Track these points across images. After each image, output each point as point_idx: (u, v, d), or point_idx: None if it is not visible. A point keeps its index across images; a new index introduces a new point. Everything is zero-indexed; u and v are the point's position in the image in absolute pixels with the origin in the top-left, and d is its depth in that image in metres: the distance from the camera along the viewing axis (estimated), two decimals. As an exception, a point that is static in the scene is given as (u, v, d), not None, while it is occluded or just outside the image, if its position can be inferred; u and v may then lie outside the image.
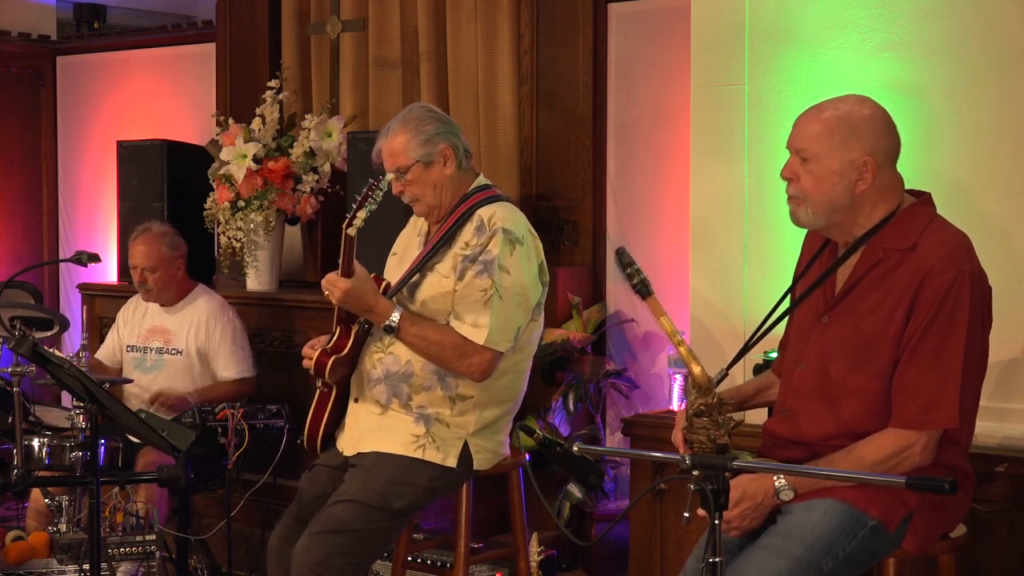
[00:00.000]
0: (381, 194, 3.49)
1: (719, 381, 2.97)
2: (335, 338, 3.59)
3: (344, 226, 3.46)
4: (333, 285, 3.49)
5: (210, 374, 5.05)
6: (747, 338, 3.14)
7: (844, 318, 2.94)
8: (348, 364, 3.61)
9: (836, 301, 2.96)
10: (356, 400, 3.65)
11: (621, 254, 2.91)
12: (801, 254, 3.19)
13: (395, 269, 3.70)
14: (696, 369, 2.86)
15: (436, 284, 3.54)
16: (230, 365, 5.02)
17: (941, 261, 2.83)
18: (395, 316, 3.49)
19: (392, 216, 3.98)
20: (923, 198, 2.98)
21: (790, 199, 2.96)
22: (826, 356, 2.95)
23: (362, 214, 3.45)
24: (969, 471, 3.01)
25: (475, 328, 3.46)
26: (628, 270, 2.89)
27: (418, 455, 3.53)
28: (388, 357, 3.55)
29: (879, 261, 2.90)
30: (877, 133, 2.90)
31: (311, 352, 3.60)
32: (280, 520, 3.68)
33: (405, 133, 3.57)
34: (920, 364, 2.83)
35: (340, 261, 3.49)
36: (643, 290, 2.87)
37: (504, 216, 3.52)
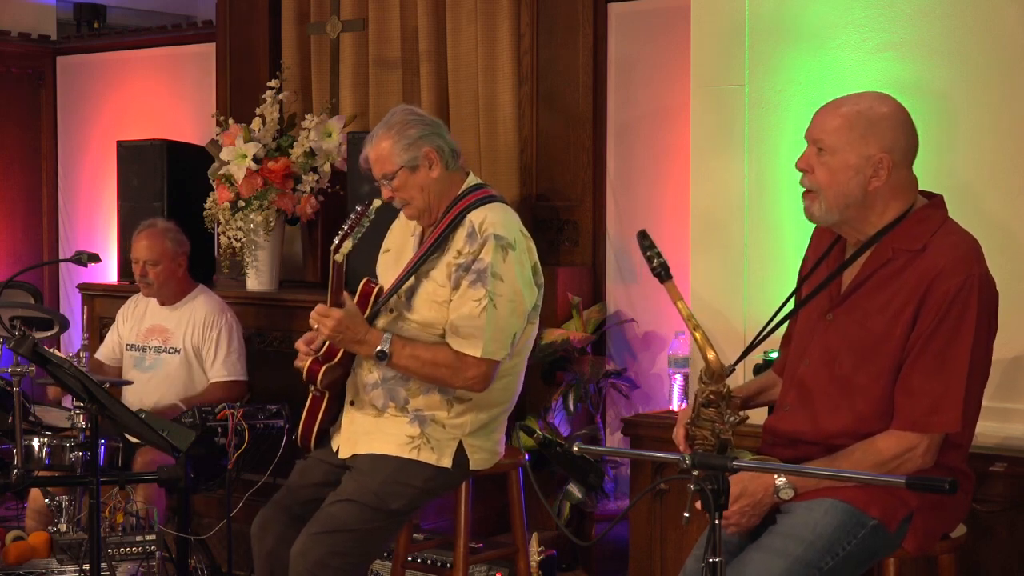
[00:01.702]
0: (368, 221, 3.48)
1: (727, 375, 2.97)
2: (327, 345, 3.58)
3: (332, 251, 3.46)
4: (326, 316, 3.46)
5: (203, 373, 5.04)
6: (747, 337, 3.14)
7: (850, 316, 2.94)
8: (340, 369, 3.60)
9: (842, 299, 2.96)
10: (352, 403, 3.64)
11: (643, 236, 2.91)
12: (808, 248, 3.17)
13: (390, 267, 3.68)
14: (711, 355, 2.85)
15: (433, 292, 3.52)
16: (221, 367, 5.00)
17: (951, 265, 2.82)
18: (385, 342, 3.47)
19: (388, 226, 3.96)
20: (935, 200, 2.97)
21: (805, 193, 2.95)
22: (830, 353, 2.95)
23: (348, 244, 3.45)
24: (968, 471, 3.01)
25: (470, 340, 3.45)
26: (648, 253, 2.88)
27: (412, 456, 3.52)
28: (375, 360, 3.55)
29: (887, 261, 2.90)
30: (895, 130, 2.89)
31: (305, 348, 3.59)
32: (265, 505, 3.67)
33: (388, 139, 3.54)
34: (925, 367, 2.82)
35: (329, 285, 3.48)
36: (662, 273, 2.87)
37: (495, 220, 3.50)
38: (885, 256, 2.90)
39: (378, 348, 3.46)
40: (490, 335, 3.44)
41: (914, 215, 2.92)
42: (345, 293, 3.51)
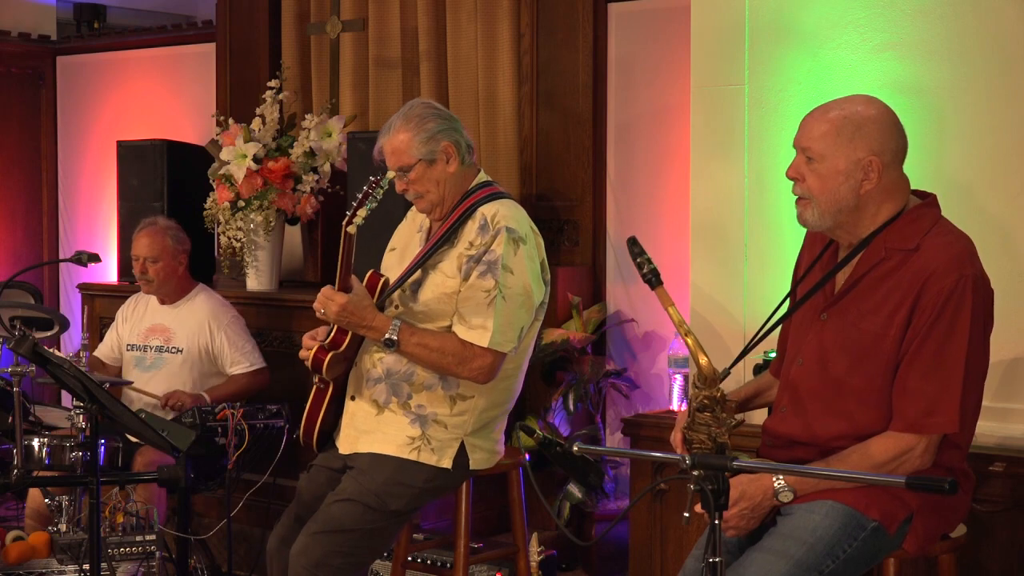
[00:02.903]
0: (382, 192, 3.47)
1: (721, 380, 2.97)
2: (332, 334, 3.55)
3: (344, 224, 3.45)
4: (330, 299, 3.45)
5: (215, 372, 5.04)
6: (747, 336, 3.14)
7: (843, 316, 2.94)
8: (346, 360, 3.59)
9: (836, 299, 2.96)
10: (352, 398, 3.63)
11: (632, 243, 2.92)
12: (801, 253, 3.18)
13: (395, 265, 3.67)
14: (703, 360, 2.85)
15: (441, 284, 3.52)
16: (241, 359, 5.01)
17: (944, 264, 2.82)
18: (393, 329, 3.47)
19: (393, 214, 3.98)
20: (928, 200, 2.97)
21: (797, 200, 2.95)
22: (824, 353, 2.95)
23: (362, 212, 3.43)
24: (968, 471, 3.01)
25: (478, 330, 3.44)
26: (638, 259, 2.89)
27: (413, 457, 3.52)
28: (389, 356, 3.54)
29: (880, 261, 2.90)
30: (883, 132, 2.89)
31: (310, 343, 3.58)
32: (279, 521, 3.67)
33: (407, 131, 3.53)
34: (921, 368, 2.82)
35: (339, 261, 3.47)
36: (653, 280, 2.87)
37: (507, 214, 3.51)
38: (878, 256, 2.91)
39: (386, 336, 3.46)
40: (498, 326, 3.44)
41: (907, 215, 2.92)
42: (353, 277, 3.50)
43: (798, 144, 2.95)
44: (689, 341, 2.85)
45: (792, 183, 2.96)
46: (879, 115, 2.91)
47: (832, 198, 2.89)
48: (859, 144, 2.87)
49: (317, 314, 3.53)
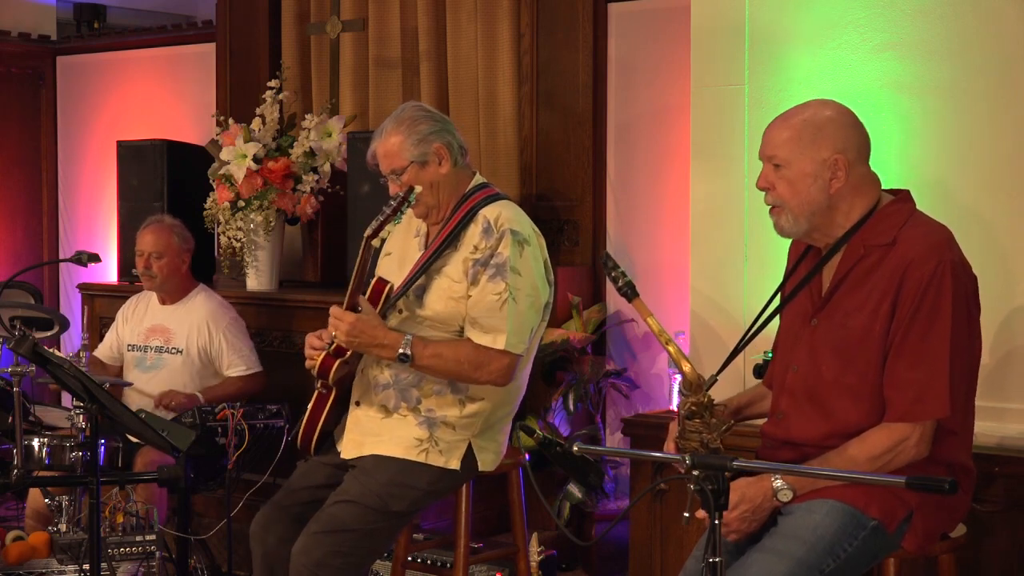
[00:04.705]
0: (408, 207, 3.46)
1: (710, 386, 2.98)
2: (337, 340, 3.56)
3: (367, 235, 3.41)
4: (340, 319, 3.44)
5: (213, 373, 5.04)
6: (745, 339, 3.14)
7: (832, 318, 2.96)
8: (348, 367, 3.59)
9: (823, 302, 2.98)
10: (357, 403, 3.63)
11: (606, 259, 3.00)
12: (788, 262, 3.21)
13: (393, 271, 3.65)
14: (686, 367, 2.89)
15: (447, 288, 3.50)
16: (238, 362, 5.01)
17: (922, 253, 2.85)
18: (406, 344, 3.44)
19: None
20: (901, 195, 3.01)
21: (771, 210, 3.00)
22: (817, 357, 2.97)
23: (390, 227, 3.42)
24: (970, 467, 3.02)
25: (493, 333, 3.44)
26: (613, 274, 2.96)
27: (420, 459, 3.51)
28: (396, 362, 3.54)
29: (861, 258, 2.93)
30: (844, 130, 2.94)
31: (316, 343, 3.57)
32: (264, 506, 3.66)
33: (398, 134, 3.53)
34: (907, 357, 2.85)
35: (355, 274, 3.46)
36: (629, 292, 2.93)
37: (510, 217, 3.50)
38: (858, 253, 2.94)
39: (400, 351, 3.45)
40: (512, 328, 3.44)
41: (881, 211, 2.96)
42: (360, 296, 3.49)
43: (763, 154, 3.00)
44: (671, 349, 2.89)
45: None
46: (837, 115, 2.96)
47: (804, 200, 2.94)
48: (822, 144, 2.91)
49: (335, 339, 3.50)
